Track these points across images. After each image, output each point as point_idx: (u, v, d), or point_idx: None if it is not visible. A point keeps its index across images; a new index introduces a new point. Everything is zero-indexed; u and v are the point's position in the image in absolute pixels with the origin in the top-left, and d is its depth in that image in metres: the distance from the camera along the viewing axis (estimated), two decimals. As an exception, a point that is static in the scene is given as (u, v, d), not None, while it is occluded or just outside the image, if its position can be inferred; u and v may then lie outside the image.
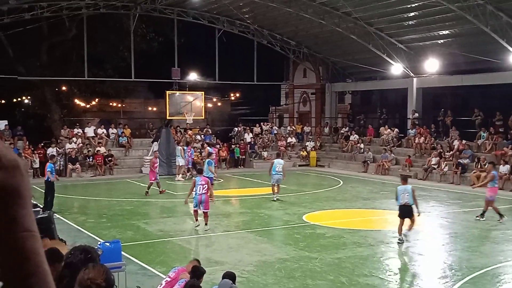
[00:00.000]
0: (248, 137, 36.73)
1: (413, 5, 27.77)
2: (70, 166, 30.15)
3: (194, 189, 16.05)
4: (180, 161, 29.88)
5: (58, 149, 30.56)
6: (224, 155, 34.75)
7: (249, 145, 36.00)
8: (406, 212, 14.53)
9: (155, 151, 28.33)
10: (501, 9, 25.69)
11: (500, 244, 14.61)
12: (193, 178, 19.14)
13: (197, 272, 8.07)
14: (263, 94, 47.19)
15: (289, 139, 38.26)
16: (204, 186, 15.90)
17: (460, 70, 31.24)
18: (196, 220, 16.44)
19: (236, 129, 38.51)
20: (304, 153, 36.86)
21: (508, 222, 17.56)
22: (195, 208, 16.21)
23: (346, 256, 13.25)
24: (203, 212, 16.13)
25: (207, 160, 23.82)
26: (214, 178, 22.56)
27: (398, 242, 14.49)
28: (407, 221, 14.58)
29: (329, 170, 34.03)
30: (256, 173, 31.97)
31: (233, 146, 35.62)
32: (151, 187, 23.23)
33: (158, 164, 23.33)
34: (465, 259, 13.16)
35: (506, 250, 14.02)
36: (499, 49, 26.96)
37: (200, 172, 17.66)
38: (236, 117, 46.38)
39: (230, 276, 8.48)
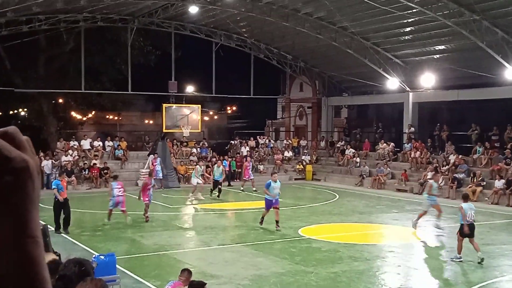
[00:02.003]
0: (244, 150, 36.74)
1: (409, 20, 27.92)
2: (66, 178, 30.03)
3: (112, 192, 19.12)
4: (194, 181, 26.98)
5: (53, 162, 30.51)
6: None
7: (245, 158, 35.96)
8: (473, 230, 14.06)
9: (152, 169, 27.84)
10: (496, 25, 25.86)
11: (496, 259, 14.60)
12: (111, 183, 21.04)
13: (195, 286, 8.00)
14: (259, 108, 47.28)
15: (285, 153, 38.27)
16: (120, 189, 19.12)
17: (456, 85, 31.36)
18: (109, 219, 19.22)
19: (232, 142, 38.53)
20: (300, 167, 36.86)
21: (504, 237, 17.56)
22: (111, 208, 19.15)
23: (342, 271, 13.22)
24: (122, 210, 19.21)
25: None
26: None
27: (458, 260, 13.99)
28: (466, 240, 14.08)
29: (325, 184, 34.02)
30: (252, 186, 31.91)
31: (229, 159, 35.59)
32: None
33: (152, 185, 20.55)
34: (461, 273, 13.14)
35: (502, 265, 14.01)
36: (495, 65, 27.10)
37: (115, 177, 20.60)
38: (233, 130, 46.43)
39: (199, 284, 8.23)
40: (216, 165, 28.11)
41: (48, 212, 19.91)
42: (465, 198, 14.86)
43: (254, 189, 29.19)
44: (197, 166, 28.12)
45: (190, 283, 8.15)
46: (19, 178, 0.99)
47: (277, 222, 18.07)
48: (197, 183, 26.25)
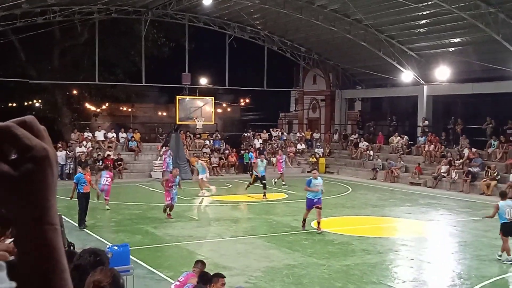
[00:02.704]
0: (257, 142, 36.74)
1: (424, 13, 27.71)
2: (79, 169, 30.21)
3: (100, 180, 20.01)
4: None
5: (68, 153, 30.71)
6: (233, 160, 34.78)
7: (258, 151, 35.98)
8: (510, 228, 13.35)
9: (175, 168, 23.59)
10: (513, 18, 25.61)
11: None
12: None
13: (204, 278, 8.04)
14: (272, 100, 47.19)
15: (298, 145, 38.22)
16: (107, 179, 20.04)
17: (471, 78, 31.10)
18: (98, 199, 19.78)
19: (245, 134, 38.55)
20: (313, 160, 36.80)
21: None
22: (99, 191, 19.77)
23: (354, 263, 13.20)
24: (105, 198, 20.07)
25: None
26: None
27: (510, 262, 13.19)
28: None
29: (338, 176, 33.95)
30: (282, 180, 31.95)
31: (242, 151, 35.63)
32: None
33: (176, 184, 18.67)
34: (474, 268, 13.08)
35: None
36: (511, 57, 26.83)
37: (106, 168, 21.40)
38: (246, 122, 46.41)
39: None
40: (259, 159, 26.54)
41: (61, 202, 20.06)
42: (503, 195, 14.22)
43: (283, 183, 28.88)
44: (200, 160, 27.60)
45: (201, 273, 8.19)
46: (39, 166, 1.00)
47: (318, 223, 16.72)
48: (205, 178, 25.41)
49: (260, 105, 51.21)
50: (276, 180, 29.00)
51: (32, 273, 0.99)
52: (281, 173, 29.33)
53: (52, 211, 1.02)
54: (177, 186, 18.79)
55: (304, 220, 17.06)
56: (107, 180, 20.12)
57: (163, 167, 30.40)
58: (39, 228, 1.00)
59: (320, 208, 16.75)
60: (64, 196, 18.79)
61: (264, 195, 24.12)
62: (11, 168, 0.98)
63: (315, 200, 16.80)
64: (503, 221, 13.39)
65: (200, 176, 25.50)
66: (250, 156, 33.68)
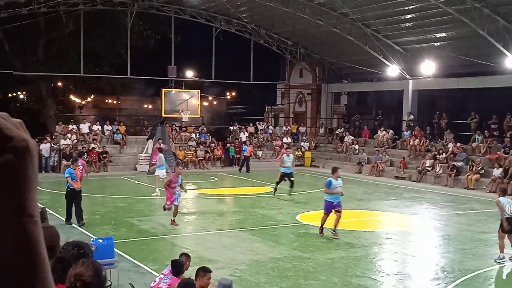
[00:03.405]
0: (243, 136, 36.73)
1: (410, 7, 27.80)
2: (64, 162, 30.04)
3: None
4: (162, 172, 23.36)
5: (52, 145, 30.50)
6: (219, 153, 34.76)
7: (244, 144, 35.98)
8: None
9: (178, 166, 19.29)
10: (497, 13, 25.77)
11: (493, 247, 14.62)
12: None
13: (177, 267, 8.03)
14: (259, 94, 47.21)
15: (284, 139, 38.26)
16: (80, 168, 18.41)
17: (456, 73, 31.29)
18: None
19: (232, 128, 38.53)
20: (299, 153, 36.87)
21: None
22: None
23: (339, 257, 13.26)
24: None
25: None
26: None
27: (501, 261, 12.96)
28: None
29: (323, 170, 34.01)
30: (251, 172, 31.97)
31: (228, 145, 35.61)
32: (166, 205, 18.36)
33: (179, 184, 16.80)
34: (457, 261, 13.19)
35: (498, 253, 14.04)
36: (496, 53, 27.02)
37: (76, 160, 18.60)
38: (232, 116, 46.37)
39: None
40: (285, 153, 23.86)
41: (46, 195, 19.96)
42: (503, 191, 13.84)
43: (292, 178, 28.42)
44: (161, 154, 24.76)
45: (172, 262, 8.17)
46: (19, 157, 0.99)
47: (335, 227, 15.20)
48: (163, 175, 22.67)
49: (247, 98, 51.22)
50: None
51: (11, 267, 0.97)
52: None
53: (32, 203, 1.00)
54: (179, 186, 16.88)
55: (322, 226, 15.39)
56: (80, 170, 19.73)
57: (155, 161, 30.04)
58: (18, 221, 0.98)
59: (340, 212, 15.22)
60: (49, 189, 18.71)
61: (290, 193, 22.34)
62: None
63: (334, 203, 15.31)
64: (504, 217, 12.95)
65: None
66: (244, 149, 33.66)
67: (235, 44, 39.95)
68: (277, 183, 22.57)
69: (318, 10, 31.55)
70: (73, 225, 16.32)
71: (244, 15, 35.48)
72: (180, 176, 16.91)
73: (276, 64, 45.43)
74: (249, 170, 32.16)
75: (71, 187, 16.44)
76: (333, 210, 15.28)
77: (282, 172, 22.55)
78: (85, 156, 30.70)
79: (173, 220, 16.55)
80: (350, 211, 20.28)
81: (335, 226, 15.16)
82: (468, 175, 26.74)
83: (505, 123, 29.05)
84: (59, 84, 43.11)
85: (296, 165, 35.62)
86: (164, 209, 16.89)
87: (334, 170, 16.07)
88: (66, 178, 16.60)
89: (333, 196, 15.38)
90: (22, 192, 0.99)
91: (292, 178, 22.41)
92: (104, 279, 3.46)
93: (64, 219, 16.64)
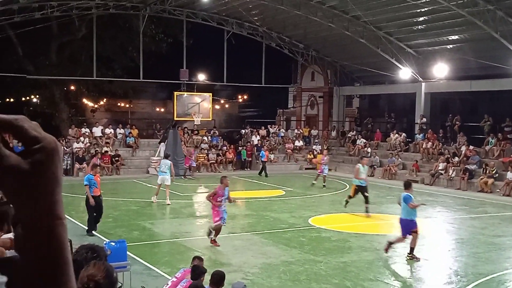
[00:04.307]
0: (255, 139, 36.73)
1: (422, 10, 27.70)
2: (77, 165, 30.25)
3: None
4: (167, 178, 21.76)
5: (65, 148, 30.68)
6: (231, 157, 34.78)
7: (256, 148, 36.00)
8: None
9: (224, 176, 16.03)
10: (511, 15, 25.60)
11: (507, 250, 14.54)
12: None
13: (196, 271, 8.03)
14: (270, 97, 47.20)
15: (296, 142, 38.22)
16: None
17: (469, 76, 31.11)
18: None
19: (243, 131, 38.55)
20: (311, 156, 36.80)
21: (515, 229, 17.47)
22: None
23: (351, 260, 13.21)
24: None
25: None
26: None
27: None
28: None
29: (335, 173, 33.93)
30: (263, 175, 31.95)
31: (240, 148, 35.63)
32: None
33: (225, 197, 14.53)
34: (471, 265, 13.09)
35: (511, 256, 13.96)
36: (509, 55, 26.84)
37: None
38: (244, 119, 46.41)
39: (219, 275, 8.19)
40: (360, 164, 20.55)
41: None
42: None
43: (324, 184, 27.50)
44: (168, 161, 22.51)
45: (192, 268, 8.17)
46: (50, 158, 0.98)
47: (411, 249, 13.40)
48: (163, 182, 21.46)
49: (258, 101, 51.25)
50: (314, 182, 27.84)
51: (38, 269, 0.96)
52: (323, 175, 27.56)
53: (60, 205, 1.00)
54: (226, 200, 14.55)
55: (391, 244, 13.58)
56: None
57: (188, 166, 31.26)
58: (48, 223, 0.97)
59: (417, 233, 13.42)
60: (62, 192, 18.69)
61: (367, 210, 19.48)
62: (21, 160, 0.96)
63: (413, 221, 13.46)
64: None
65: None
66: (261, 155, 33.23)
67: (246, 47, 40.00)
68: (350, 197, 20.02)
69: (329, 13, 31.51)
70: (86, 228, 16.37)
71: (256, 18, 35.50)
72: (226, 188, 14.56)
73: (287, 67, 45.42)
74: (267, 175, 31.78)
75: (92, 194, 15.53)
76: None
77: (357, 186, 19.74)
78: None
79: (214, 240, 14.26)
80: (362, 214, 20.23)
81: (413, 248, 13.34)
82: (481, 178, 26.55)
83: (518, 126, 28.83)
84: (72, 87, 43.39)
85: (308, 168, 35.76)
86: (212, 230, 14.30)
87: (409, 185, 14.04)
88: (85, 186, 15.56)
89: (413, 213, 13.46)
90: (52, 194, 0.99)
91: (366, 194, 19.61)
92: (116, 280, 3.47)
93: (84, 226, 16.64)
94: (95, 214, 15.69)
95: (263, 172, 32.06)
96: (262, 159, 32.36)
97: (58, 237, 0.98)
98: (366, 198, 19.51)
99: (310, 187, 27.59)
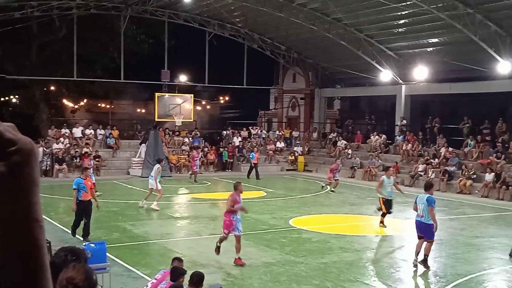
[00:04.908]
0: (236, 140, 36.74)
1: (403, 13, 27.92)
2: (56, 166, 30.01)
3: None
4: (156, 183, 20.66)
5: (45, 149, 30.42)
6: (212, 158, 34.74)
7: (237, 149, 36.00)
8: None
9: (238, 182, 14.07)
10: (490, 19, 25.92)
11: (485, 251, 14.71)
12: None
13: (175, 272, 8.02)
14: (252, 98, 47.23)
15: (277, 144, 38.29)
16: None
17: (449, 78, 31.43)
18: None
19: (225, 132, 38.54)
20: (292, 158, 36.91)
21: (494, 230, 17.69)
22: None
23: (331, 261, 13.27)
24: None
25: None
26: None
27: None
28: None
29: (316, 175, 34.07)
30: (244, 176, 31.94)
31: (221, 149, 35.61)
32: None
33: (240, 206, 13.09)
34: (450, 266, 13.23)
35: (490, 257, 14.12)
36: (488, 58, 27.17)
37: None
38: (225, 120, 46.39)
39: (198, 276, 8.18)
40: (385, 175, 19.03)
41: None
42: None
43: (333, 189, 26.21)
44: (158, 165, 21.18)
45: (171, 269, 8.15)
46: (26, 160, 0.96)
47: (425, 257, 12.59)
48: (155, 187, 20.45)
49: (240, 102, 51.24)
50: (324, 185, 26.82)
51: (15, 273, 0.95)
52: (335, 180, 26.40)
53: (38, 207, 0.98)
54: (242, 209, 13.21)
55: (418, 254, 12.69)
56: None
57: (193, 167, 30.34)
58: (26, 226, 0.96)
59: (431, 242, 12.65)
60: (41, 193, 18.49)
61: (382, 223, 17.78)
62: None
63: (432, 226, 12.58)
64: None
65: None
66: (251, 157, 32.35)
67: (228, 49, 40.04)
68: (384, 214, 17.67)
69: (311, 15, 31.64)
70: (66, 230, 16.24)
71: (238, 20, 35.53)
72: (239, 196, 13.15)
73: (269, 69, 45.52)
74: (258, 177, 30.93)
75: (80, 199, 14.82)
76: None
77: (384, 199, 17.82)
78: (78, 160, 30.68)
79: (239, 259, 12.71)
80: (343, 215, 20.36)
81: (427, 255, 12.63)
82: (460, 180, 26.84)
83: (497, 128, 29.18)
84: (52, 88, 43.06)
85: (289, 170, 35.85)
86: (221, 242, 13.04)
87: (430, 186, 13.11)
88: (74, 190, 14.85)
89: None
90: (30, 196, 0.97)
91: (391, 210, 17.94)
92: (95, 283, 3.45)
93: (63, 227, 16.53)
94: (85, 220, 14.87)
95: (252, 174, 31.34)
96: (253, 161, 31.81)
97: (35, 240, 0.97)
98: (385, 214, 17.70)
99: (292, 188, 27.66)
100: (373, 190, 25.02)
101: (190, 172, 30.93)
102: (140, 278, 11.38)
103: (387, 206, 17.64)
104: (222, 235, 13.02)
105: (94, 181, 20.76)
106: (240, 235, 12.87)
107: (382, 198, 17.75)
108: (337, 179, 26.61)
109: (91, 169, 22.42)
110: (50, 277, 1.01)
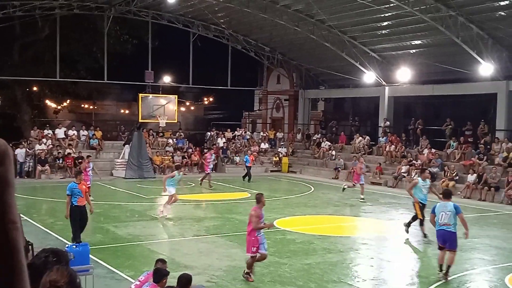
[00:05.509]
0: (220, 141, 36.69)
1: (386, 15, 28.09)
2: (39, 167, 29.77)
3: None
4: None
5: (28, 150, 30.15)
6: (196, 159, 34.66)
7: (221, 150, 35.97)
8: None
9: (259, 193, 12.88)
10: (472, 21, 26.16)
11: (467, 252, 14.81)
12: None
13: (158, 274, 7.99)
14: (236, 99, 47.22)
15: (261, 145, 38.31)
16: None
17: (431, 80, 31.68)
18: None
19: (209, 133, 38.47)
20: (276, 159, 36.95)
21: (475, 231, 17.81)
22: None
23: (315, 262, 13.30)
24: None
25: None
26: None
27: None
28: None
29: (300, 176, 34.16)
30: (228, 178, 31.93)
31: (205, 150, 35.52)
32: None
33: (263, 220, 12.16)
34: (432, 266, 13.30)
35: (472, 258, 14.23)
36: (470, 60, 27.42)
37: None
38: (209, 121, 46.34)
39: (186, 278, 8.18)
40: (420, 177, 17.19)
41: (20, 201, 19.68)
42: None
43: (362, 197, 24.07)
44: (176, 172, 20.42)
45: (154, 270, 8.12)
46: (1, 161, 0.96)
47: (448, 268, 11.96)
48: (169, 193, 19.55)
49: (224, 104, 51.21)
50: (346, 186, 25.13)
51: None
52: (361, 184, 24.32)
53: (15, 209, 0.98)
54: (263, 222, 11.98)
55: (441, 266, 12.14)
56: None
57: (206, 170, 28.48)
58: (1, 227, 0.95)
59: (453, 252, 12.09)
60: (24, 194, 18.47)
61: (408, 230, 16.53)
62: None
63: (447, 241, 12.06)
64: None
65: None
66: (246, 160, 31.30)
67: (212, 50, 39.99)
68: (422, 220, 16.09)
69: (295, 16, 31.71)
70: (48, 231, 16.12)
71: (222, 20, 35.52)
72: (263, 209, 12.06)
73: (253, 70, 45.53)
74: (250, 179, 30.37)
75: (75, 204, 14.10)
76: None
77: (421, 203, 16.22)
78: (61, 161, 30.46)
79: (249, 274, 11.64)
80: (326, 216, 20.42)
81: (449, 266, 12.00)
82: (443, 181, 27.03)
83: (479, 129, 29.45)
84: (35, 88, 42.69)
85: (273, 171, 35.89)
86: (251, 266, 11.75)
87: (451, 194, 12.88)
88: (67, 196, 14.19)
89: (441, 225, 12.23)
90: (5, 198, 0.97)
91: (424, 215, 16.02)
92: (79, 285, 3.42)
93: (45, 228, 16.39)
94: (80, 226, 14.26)
95: (247, 177, 30.66)
96: (247, 164, 30.85)
97: (12, 242, 0.96)
98: (416, 219, 16.39)
99: (277, 189, 27.65)
100: (357, 191, 25.13)
101: (201, 178, 28.67)
102: (123, 280, 11.32)
103: (423, 211, 15.87)
104: (250, 257, 11.64)
105: (90, 184, 20.76)
106: (266, 254, 11.83)
107: (419, 203, 16.10)
108: (363, 184, 24.25)
109: (90, 171, 22.02)
110: (27, 278, 1.01)
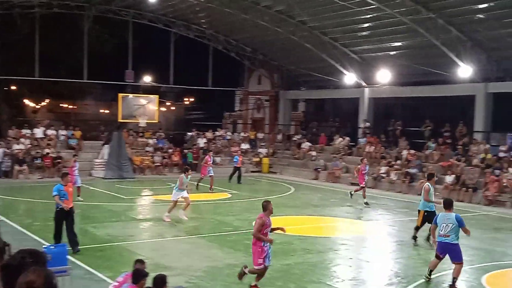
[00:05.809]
0: (201, 142, 36.62)
1: (367, 17, 28.27)
2: (17, 167, 29.45)
3: None
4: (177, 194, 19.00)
5: (6, 150, 29.83)
6: (177, 159, 34.54)
7: (202, 150, 35.87)
8: None
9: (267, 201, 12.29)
10: (451, 23, 26.43)
11: (445, 252, 14.94)
12: None
13: (137, 275, 7.95)
14: (217, 100, 47.16)
15: (242, 145, 38.30)
16: None
17: (411, 82, 31.93)
18: None
19: (190, 134, 38.37)
20: (257, 160, 36.97)
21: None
22: None
23: (295, 263, 13.34)
24: None
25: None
26: None
27: None
28: None
29: (281, 176, 34.22)
30: (208, 178, 31.85)
31: (185, 151, 35.43)
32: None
33: (269, 229, 11.37)
34: (411, 266, 13.43)
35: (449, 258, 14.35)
36: (449, 62, 27.70)
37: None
38: (190, 121, 46.21)
39: (161, 279, 8.12)
40: (428, 182, 16.20)
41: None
42: None
43: (365, 200, 23.36)
44: (183, 175, 19.41)
45: (132, 272, 8.07)
46: None
47: (454, 280, 11.48)
48: (181, 197, 18.83)
49: (205, 104, 51.09)
50: (353, 192, 24.46)
51: None
52: (362, 187, 23.77)
53: None
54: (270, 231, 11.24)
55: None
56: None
57: (203, 176, 27.62)
58: None
59: (460, 264, 11.62)
60: (2, 195, 18.26)
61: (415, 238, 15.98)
62: None
63: (446, 249, 11.66)
64: None
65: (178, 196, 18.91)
66: (235, 160, 30.58)
67: (193, 50, 39.86)
68: (417, 228, 15.94)
69: (276, 17, 31.77)
70: (26, 232, 15.96)
71: (203, 21, 35.48)
72: (269, 218, 11.38)
73: (234, 70, 45.45)
74: (240, 180, 29.98)
75: (60, 207, 13.77)
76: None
77: (426, 211, 15.63)
78: (39, 161, 30.16)
79: (256, 286, 11.14)
80: (306, 217, 20.48)
81: (456, 278, 11.55)
82: (421, 182, 27.23)
83: (457, 131, 29.75)
84: (13, 87, 42.24)
85: (253, 171, 35.88)
86: (260, 278, 11.16)
87: (451, 203, 12.00)
88: (54, 196, 13.80)
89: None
90: None
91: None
92: (55, 286, 3.40)
93: (22, 229, 16.22)
94: (67, 231, 13.82)
95: (233, 178, 30.13)
96: (235, 165, 30.48)
97: None
98: (418, 229, 15.90)
99: (257, 190, 27.65)
100: (338, 191, 25.24)
101: (198, 180, 27.42)
102: (102, 281, 11.25)
103: (426, 219, 15.21)
104: (256, 269, 10.97)
105: (79, 185, 20.61)
106: (269, 265, 11.08)
107: (425, 211, 15.61)
108: (364, 186, 23.78)
109: (76, 171, 21.96)
110: None
